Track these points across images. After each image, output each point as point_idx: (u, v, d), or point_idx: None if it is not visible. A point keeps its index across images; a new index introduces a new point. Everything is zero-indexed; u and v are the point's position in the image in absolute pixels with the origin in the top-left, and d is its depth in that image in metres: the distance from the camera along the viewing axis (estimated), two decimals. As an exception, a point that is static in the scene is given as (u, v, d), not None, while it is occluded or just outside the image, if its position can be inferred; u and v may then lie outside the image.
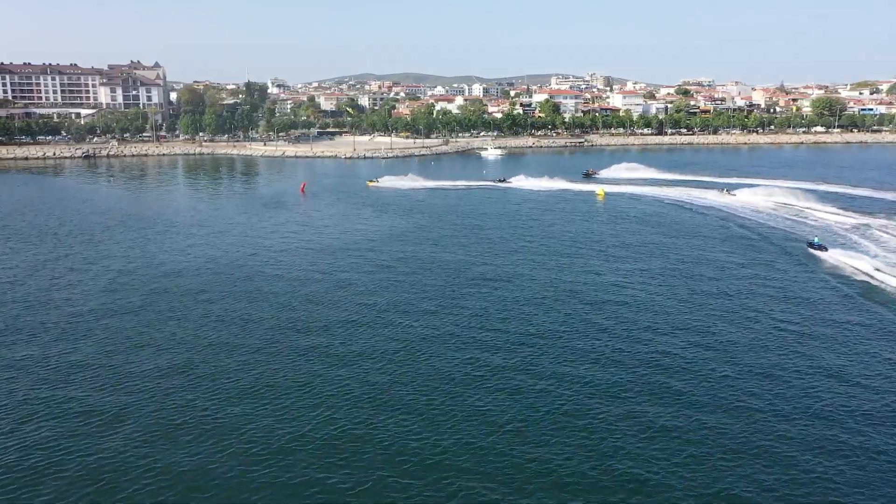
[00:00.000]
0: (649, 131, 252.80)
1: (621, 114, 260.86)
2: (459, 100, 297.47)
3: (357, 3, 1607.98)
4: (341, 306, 47.28)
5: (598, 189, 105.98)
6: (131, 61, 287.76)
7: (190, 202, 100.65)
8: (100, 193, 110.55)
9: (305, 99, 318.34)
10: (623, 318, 45.02)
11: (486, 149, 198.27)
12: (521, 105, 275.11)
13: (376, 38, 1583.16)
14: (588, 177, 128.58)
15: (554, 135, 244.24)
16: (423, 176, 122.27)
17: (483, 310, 46.80)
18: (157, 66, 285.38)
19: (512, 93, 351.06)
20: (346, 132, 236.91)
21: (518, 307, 47.45)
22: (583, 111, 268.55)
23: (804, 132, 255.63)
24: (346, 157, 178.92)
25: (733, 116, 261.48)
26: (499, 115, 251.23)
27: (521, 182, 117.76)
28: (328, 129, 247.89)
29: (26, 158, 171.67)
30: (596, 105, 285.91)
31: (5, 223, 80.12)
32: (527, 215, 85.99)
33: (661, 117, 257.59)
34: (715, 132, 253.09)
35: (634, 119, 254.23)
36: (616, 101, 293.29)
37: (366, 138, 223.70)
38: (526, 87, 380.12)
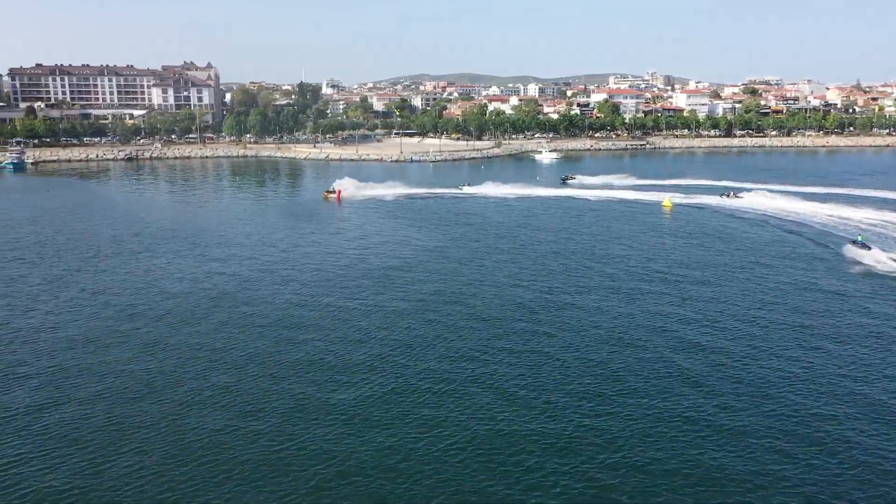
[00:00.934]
0: (716, 133, 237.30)
1: (685, 114, 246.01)
2: (514, 100, 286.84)
3: (413, 3, 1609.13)
4: (380, 342, 38.57)
5: (665, 199, 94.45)
6: (184, 62, 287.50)
7: (217, 211, 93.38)
8: (126, 200, 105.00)
9: (358, 99, 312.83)
10: (722, 369, 34.76)
11: (540, 151, 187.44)
12: (579, 105, 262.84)
13: (433, 38, 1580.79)
14: (565, 182, 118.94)
15: (613, 136, 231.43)
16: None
17: (548, 352, 37.39)
18: (209, 66, 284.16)
19: (569, 93, 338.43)
20: (401, 133, 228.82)
21: (589, 345, 37.75)
22: (644, 112, 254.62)
23: (888, 134, 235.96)
24: (392, 161, 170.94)
25: (809, 117, 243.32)
26: (555, 116, 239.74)
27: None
28: (376, 131, 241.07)
29: (69, 160, 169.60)
30: (658, 105, 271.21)
31: (18, 235, 74.32)
32: (587, 230, 75.49)
33: (729, 118, 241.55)
34: (789, 134, 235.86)
35: (700, 120, 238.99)
36: (679, 100, 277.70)
37: (414, 140, 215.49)
38: (583, 86, 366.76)
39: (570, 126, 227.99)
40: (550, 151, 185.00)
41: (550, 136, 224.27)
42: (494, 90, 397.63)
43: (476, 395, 33.41)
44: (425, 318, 44.41)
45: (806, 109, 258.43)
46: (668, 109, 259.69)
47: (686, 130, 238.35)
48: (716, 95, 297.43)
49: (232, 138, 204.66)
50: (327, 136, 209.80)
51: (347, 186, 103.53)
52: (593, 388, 34.23)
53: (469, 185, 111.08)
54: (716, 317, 44.89)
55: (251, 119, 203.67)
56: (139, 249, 65.19)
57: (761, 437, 29.43)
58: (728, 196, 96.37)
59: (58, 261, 60.53)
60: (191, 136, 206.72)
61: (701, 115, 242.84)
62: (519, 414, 31.56)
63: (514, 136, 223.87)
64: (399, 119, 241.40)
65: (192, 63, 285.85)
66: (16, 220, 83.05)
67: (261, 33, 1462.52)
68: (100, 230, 75.74)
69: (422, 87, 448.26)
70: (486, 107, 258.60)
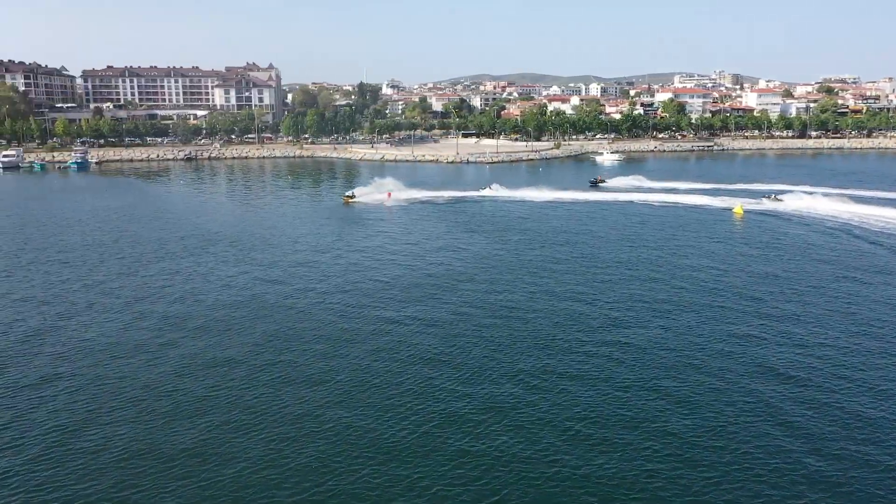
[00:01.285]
0: (789, 134, 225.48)
1: (756, 114, 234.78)
2: (575, 100, 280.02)
3: (475, 3, 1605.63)
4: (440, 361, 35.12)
5: (737, 205, 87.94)
6: (247, 63, 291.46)
7: (266, 213, 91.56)
8: (178, 201, 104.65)
9: (417, 100, 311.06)
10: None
11: (601, 153, 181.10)
12: (643, 105, 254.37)
13: (494, 37, 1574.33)
14: (595, 185, 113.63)
15: (678, 137, 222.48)
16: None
17: (610, 378, 33.02)
18: (270, 67, 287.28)
19: (632, 92, 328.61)
20: (458, 133, 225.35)
21: (656, 371, 33.27)
22: (711, 111, 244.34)
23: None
24: (448, 162, 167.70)
25: (892, 117, 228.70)
26: (617, 116, 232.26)
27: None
28: (433, 131, 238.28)
29: (131, 160, 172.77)
30: (726, 105, 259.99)
31: (66, 236, 73.97)
32: (652, 239, 70.24)
33: (803, 118, 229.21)
34: (869, 135, 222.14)
35: (773, 120, 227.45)
36: (749, 100, 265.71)
37: (471, 141, 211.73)
38: (647, 86, 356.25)
39: (633, 126, 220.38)
40: (612, 153, 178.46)
41: (612, 136, 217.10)
42: (555, 90, 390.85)
43: (532, 432, 29.36)
44: (475, 336, 40.49)
45: (888, 109, 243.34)
46: (738, 109, 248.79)
47: (757, 131, 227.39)
48: (788, 94, 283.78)
49: (289, 139, 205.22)
50: (384, 136, 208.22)
51: (368, 192, 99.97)
52: (659, 423, 29.71)
53: (490, 188, 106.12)
54: (802, 340, 39.51)
55: (308, 119, 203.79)
56: (183, 254, 63.30)
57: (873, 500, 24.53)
58: (770, 199, 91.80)
59: (99, 264, 59.09)
60: (250, 136, 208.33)
61: (773, 115, 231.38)
62: (581, 455, 27.37)
63: (574, 137, 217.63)
64: (456, 119, 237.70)
65: (254, 64, 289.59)
66: (66, 221, 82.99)
67: (325, 34, 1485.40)
68: (146, 233, 74.55)
69: (482, 88, 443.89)
70: (546, 107, 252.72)
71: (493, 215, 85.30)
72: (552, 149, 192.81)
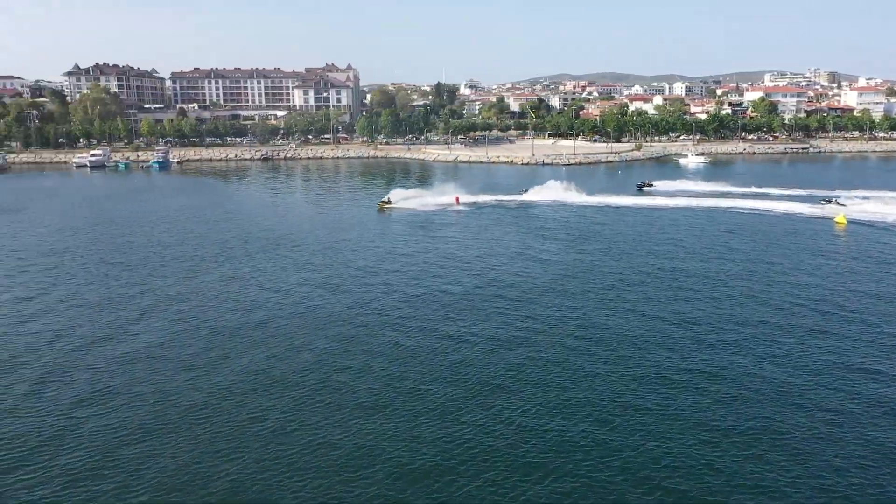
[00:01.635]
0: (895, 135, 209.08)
1: (857, 114, 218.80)
2: (658, 99, 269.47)
3: (555, 2, 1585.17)
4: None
5: (839, 214, 79.89)
6: (326, 64, 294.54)
7: (332, 215, 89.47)
8: (249, 201, 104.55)
9: (494, 100, 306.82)
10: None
11: (685, 155, 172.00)
12: (731, 105, 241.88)
13: (574, 36, 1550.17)
14: (642, 189, 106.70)
15: (769, 139, 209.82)
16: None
17: (700, 418, 28.62)
18: (349, 68, 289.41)
19: (718, 91, 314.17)
20: (535, 134, 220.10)
21: (755, 404, 28.62)
22: (806, 111, 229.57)
23: None
24: (523, 163, 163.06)
25: None
26: (703, 116, 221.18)
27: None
28: (508, 132, 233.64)
29: (210, 160, 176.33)
30: (823, 104, 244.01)
31: (133, 238, 74.29)
32: (742, 250, 64.01)
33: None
34: None
35: (877, 121, 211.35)
36: (849, 99, 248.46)
37: (548, 142, 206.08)
38: (735, 84, 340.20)
39: (719, 127, 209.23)
40: (697, 155, 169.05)
41: (697, 137, 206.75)
42: (637, 89, 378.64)
43: (613, 482, 25.25)
44: (550, 360, 36.50)
45: None
46: (836, 109, 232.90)
47: (857, 132, 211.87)
48: (892, 93, 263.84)
49: (364, 139, 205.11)
50: (458, 137, 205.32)
51: (400, 197, 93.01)
52: (769, 486, 24.95)
53: (525, 191, 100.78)
54: (929, 380, 33.60)
55: (382, 119, 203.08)
56: (244, 258, 61.82)
57: None
58: (829, 203, 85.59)
59: (160, 267, 58.18)
60: (326, 136, 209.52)
61: (876, 116, 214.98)
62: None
63: (656, 138, 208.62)
64: (533, 119, 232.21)
65: (333, 65, 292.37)
66: (136, 221, 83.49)
67: (404, 34, 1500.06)
68: (212, 234, 73.81)
69: (561, 87, 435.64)
70: (627, 106, 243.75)
71: (568, 221, 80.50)
72: (633, 150, 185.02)
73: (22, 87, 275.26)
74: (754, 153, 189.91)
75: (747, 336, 39.85)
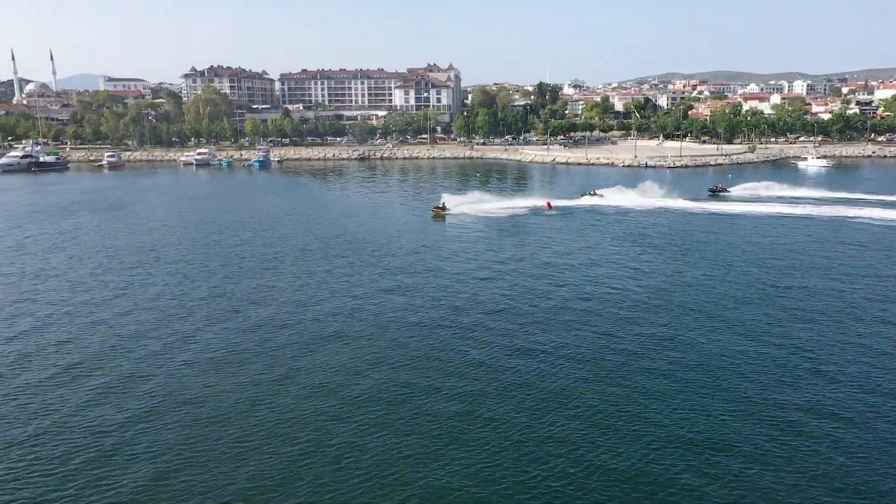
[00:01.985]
0: None
1: None
2: (775, 98, 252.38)
3: (664, 2, 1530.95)
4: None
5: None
6: (428, 64, 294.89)
7: (418, 218, 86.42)
8: (339, 200, 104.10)
9: (598, 99, 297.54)
10: None
11: (805, 157, 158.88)
12: (858, 104, 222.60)
13: (685, 34, 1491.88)
14: (715, 193, 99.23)
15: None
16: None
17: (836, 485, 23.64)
18: (450, 68, 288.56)
19: (844, 90, 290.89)
20: (638, 135, 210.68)
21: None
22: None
23: None
24: (624, 165, 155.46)
25: None
26: (826, 117, 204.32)
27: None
28: (611, 132, 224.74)
29: (309, 159, 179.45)
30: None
31: (220, 237, 74.71)
32: (877, 269, 56.18)
33: None
34: None
35: None
36: None
37: (653, 143, 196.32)
38: (864, 82, 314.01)
39: (845, 128, 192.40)
40: (818, 158, 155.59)
41: (819, 139, 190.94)
42: (753, 88, 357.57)
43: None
44: (650, 393, 32.02)
45: None
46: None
47: None
48: None
49: (461, 139, 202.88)
50: (558, 137, 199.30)
51: (459, 203, 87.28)
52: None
53: (593, 193, 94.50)
54: None
55: (480, 119, 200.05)
56: (321, 261, 60.11)
57: None
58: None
59: (238, 270, 57.25)
60: (423, 136, 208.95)
61: None
62: None
63: (772, 140, 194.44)
64: (638, 119, 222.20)
65: (435, 65, 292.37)
66: (227, 219, 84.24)
67: (508, 35, 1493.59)
68: (296, 235, 72.81)
69: (669, 87, 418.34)
70: (741, 106, 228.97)
71: (670, 228, 74.26)
72: (745, 152, 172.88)
73: (144, 88, 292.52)
74: (885, 156, 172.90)
75: (879, 368, 33.64)
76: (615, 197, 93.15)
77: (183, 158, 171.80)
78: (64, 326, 41.96)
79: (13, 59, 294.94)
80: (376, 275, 54.30)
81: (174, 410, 30.50)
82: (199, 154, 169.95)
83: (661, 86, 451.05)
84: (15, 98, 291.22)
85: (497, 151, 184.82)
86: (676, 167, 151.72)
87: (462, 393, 32.02)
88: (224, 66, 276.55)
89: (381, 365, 35.45)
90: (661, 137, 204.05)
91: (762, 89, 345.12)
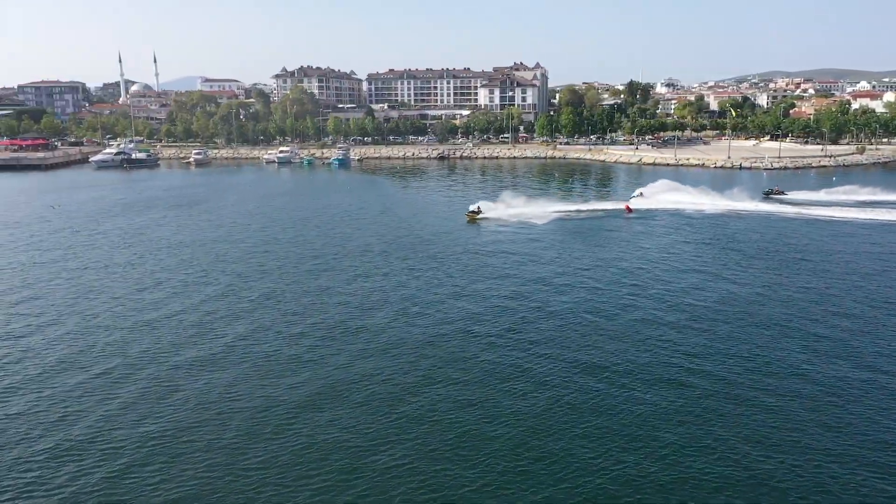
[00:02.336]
0: None
1: None
2: (889, 96, 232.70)
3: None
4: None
5: None
6: (514, 63, 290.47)
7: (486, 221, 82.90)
8: (411, 200, 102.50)
9: (692, 98, 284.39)
10: None
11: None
12: None
13: (788, 31, 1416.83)
14: (769, 196, 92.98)
15: None
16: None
17: None
18: (537, 66, 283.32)
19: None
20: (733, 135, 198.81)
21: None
22: None
23: None
24: (716, 166, 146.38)
25: None
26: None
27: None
28: (703, 132, 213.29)
29: (388, 158, 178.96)
30: None
31: (284, 236, 74.09)
32: None
33: None
34: None
35: None
36: None
37: (749, 143, 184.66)
38: None
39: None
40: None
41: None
42: (864, 85, 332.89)
43: None
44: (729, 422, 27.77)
45: None
46: None
47: None
48: None
49: (544, 139, 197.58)
50: (646, 137, 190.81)
51: (497, 206, 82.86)
52: None
53: (642, 194, 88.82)
54: None
55: (563, 118, 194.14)
56: (381, 265, 57.82)
57: None
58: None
59: (294, 269, 55.79)
60: (505, 135, 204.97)
61: None
62: None
63: (884, 140, 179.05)
64: (733, 118, 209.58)
65: (521, 64, 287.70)
66: (292, 220, 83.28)
67: (601, 34, 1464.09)
68: (358, 237, 70.77)
69: (771, 85, 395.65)
70: (849, 104, 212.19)
71: (763, 235, 67.71)
72: (853, 153, 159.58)
73: (238, 89, 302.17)
74: None
75: None
76: (663, 197, 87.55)
77: (265, 156, 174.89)
78: (110, 329, 41.36)
79: (120, 61, 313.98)
80: (434, 280, 51.38)
81: (213, 421, 29.16)
82: (280, 152, 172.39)
83: (762, 84, 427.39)
84: (121, 98, 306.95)
85: (580, 151, 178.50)
86: (774, 168, 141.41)
87: (526, 414, 28.74)
88: (314, 67, 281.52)
89: (435, 381, 32.81)
90: (758, 137, 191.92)
91: (874, 87, 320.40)
